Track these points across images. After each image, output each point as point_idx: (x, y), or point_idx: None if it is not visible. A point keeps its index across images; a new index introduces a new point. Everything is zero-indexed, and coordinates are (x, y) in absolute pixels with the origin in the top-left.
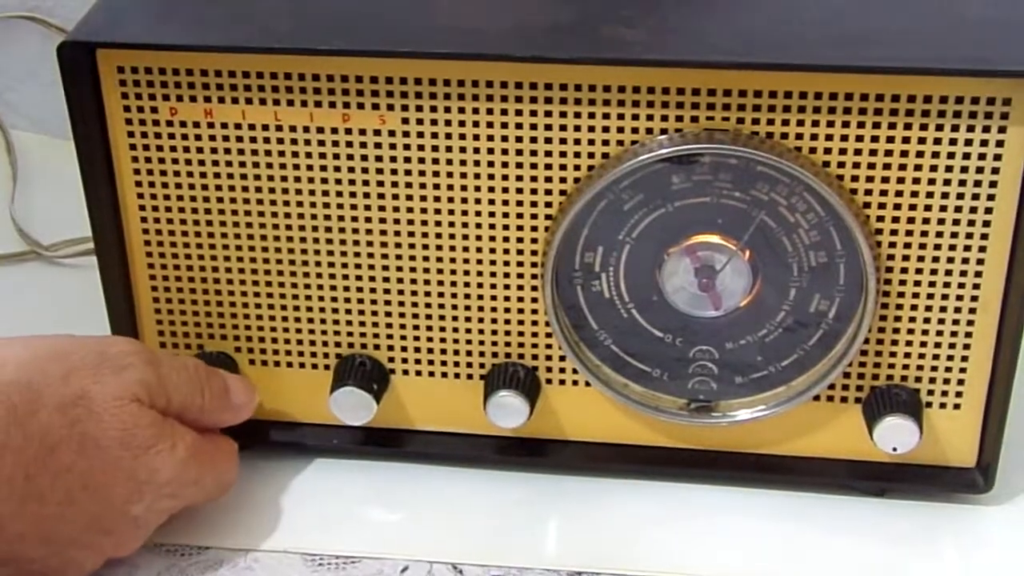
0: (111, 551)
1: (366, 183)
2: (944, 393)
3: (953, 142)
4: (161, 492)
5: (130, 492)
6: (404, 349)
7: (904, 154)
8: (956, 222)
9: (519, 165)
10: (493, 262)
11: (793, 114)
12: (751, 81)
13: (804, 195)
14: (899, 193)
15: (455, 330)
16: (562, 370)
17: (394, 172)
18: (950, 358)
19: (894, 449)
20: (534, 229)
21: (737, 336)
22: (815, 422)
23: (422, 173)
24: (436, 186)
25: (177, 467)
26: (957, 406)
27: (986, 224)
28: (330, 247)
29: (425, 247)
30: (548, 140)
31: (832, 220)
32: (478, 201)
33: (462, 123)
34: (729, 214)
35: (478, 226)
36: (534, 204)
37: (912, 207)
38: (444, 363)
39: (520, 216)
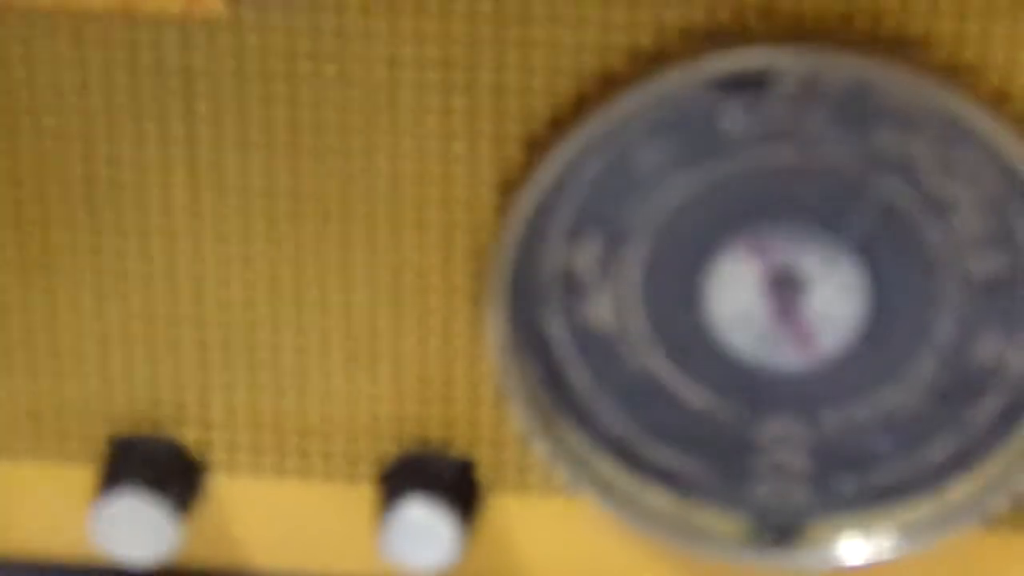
0: None
1: (161, 119)
2: None
3: None
4: None
5: None
6: (231, 427)
7: None
8: None
9: (449, 91)
10: (397, 265)
11: (948, 5)
12: None
13: (966, 149)
14: None
15: (325, 391)
16: (522, 467)
17: (212, 104)
18: None
19: None
20: (474, 207)
21: (844, 406)
22: (989, 568)
23: (262, 105)
24: (292, 126)
25: None
26: None
27: None
28: (95, 237)
29: (271, 235)
30: (500, 49)
31: (1018, 195)
32: (370, 153)
33: (348, 8)
34: (827, 183)
35: (371, 197)
36: (474, 161)
37: None
38: (306, 452)
39: (448, 182)
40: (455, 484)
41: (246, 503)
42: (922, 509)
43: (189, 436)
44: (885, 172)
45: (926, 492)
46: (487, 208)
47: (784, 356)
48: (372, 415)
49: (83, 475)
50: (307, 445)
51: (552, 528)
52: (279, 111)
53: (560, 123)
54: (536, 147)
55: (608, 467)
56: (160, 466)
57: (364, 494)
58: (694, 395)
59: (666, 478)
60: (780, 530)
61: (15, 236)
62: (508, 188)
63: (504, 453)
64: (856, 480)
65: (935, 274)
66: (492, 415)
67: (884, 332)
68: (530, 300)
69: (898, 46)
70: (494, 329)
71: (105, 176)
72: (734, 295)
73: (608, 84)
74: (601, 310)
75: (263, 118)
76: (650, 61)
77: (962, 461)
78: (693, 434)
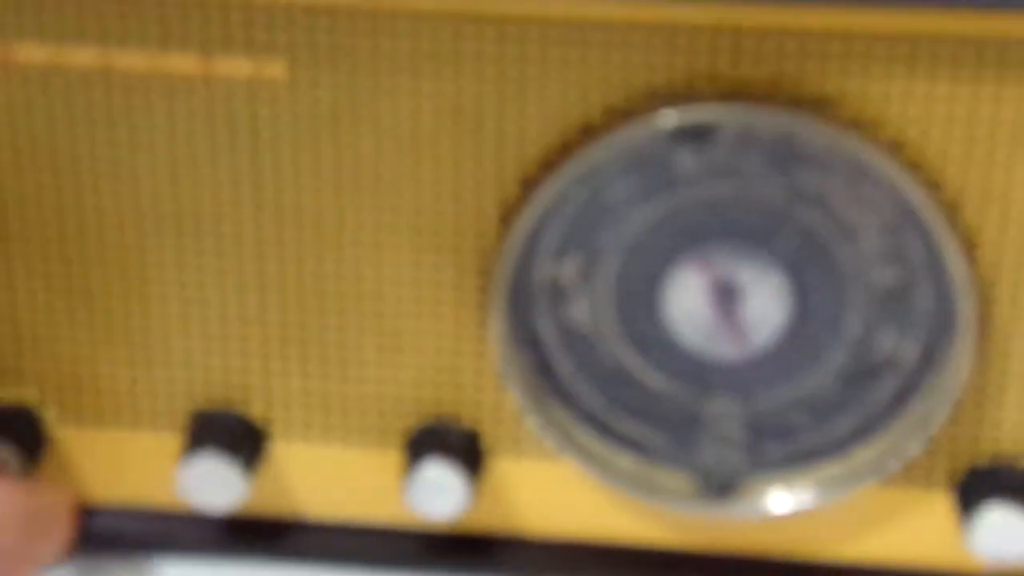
0: None
1: (233, 162)
2: None
3: None
4: None
5: None
6: (287, 404)
7: (1021, 129)
8: None
9: (460, 140)
10: (418, 278)
11: (855, 72)
12: (795, 20)
13: (870, 186)
14: (1006, 186)
15: (362, 377)
16: (518, 436)
17: (273, 149)
18: None
19: (998, 558)
20: (480, 233)
21: (772, 388)
22: (884, 515)
23: (313, 151)
24: (337, 168)
25: None
26: None
27: None
28: (180, 256)
29: (319, 255)
30: (501, 106)
31: (911, 223)
32: (397, 190)
33: (380, 72)
34: (760, 212)
35: (398, 225)
36: (480, 195)
37: None
38: (346, 424)
39: (460, 212)
40: (464, 450)
41: (299, 464)
42: (834, 469)
43: (255, 411)
44: (806, 204)
45: (837, 456)
46: (490, 233)
47: (725, 349)
48: (399, 396)
49: (171, 441)
50: (347, 419)
51: (542, 485)
52: (326, 156)
53: (548, 165)
54: (529, 184)
55: (586, 436)
56: (232, 435)
57: (392, 458)
58: (654, 379)
59: (632, 445)
60: (721, 486)
61: (117, 256)
62: (507, 217)
63: (504, 425)
64: (781, 447)
65: (845, 284)
66: (494, 395)
67: (804, 330)
68: (524, 305)
69: (816, 104)
70: (496, 327)
71: (189, 211)
72: (685, 300)
73: (586, 134)
74: (581, 312)
75: (312, 162)
76: (620, 116)
77: (865, 432)
78: (653, 410)
